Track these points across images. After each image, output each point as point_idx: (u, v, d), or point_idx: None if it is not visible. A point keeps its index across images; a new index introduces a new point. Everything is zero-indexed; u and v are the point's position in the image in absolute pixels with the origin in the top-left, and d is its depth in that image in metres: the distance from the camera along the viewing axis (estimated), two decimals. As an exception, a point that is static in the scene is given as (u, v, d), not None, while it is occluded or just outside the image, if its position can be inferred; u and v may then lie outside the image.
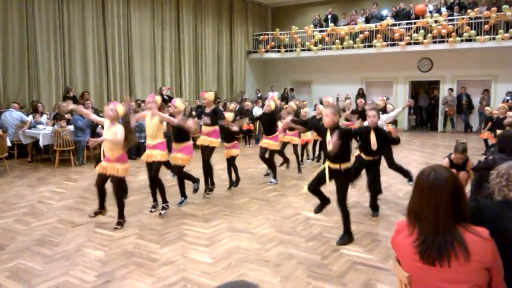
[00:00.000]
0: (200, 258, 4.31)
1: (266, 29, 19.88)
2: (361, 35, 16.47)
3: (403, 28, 15.67)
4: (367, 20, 16.92)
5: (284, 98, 16.76)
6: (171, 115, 6.01)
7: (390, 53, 16.23)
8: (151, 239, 4.88)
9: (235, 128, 6.69)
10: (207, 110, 6.57)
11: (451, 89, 15.80)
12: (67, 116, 9.97)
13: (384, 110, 8.10)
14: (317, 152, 9.94)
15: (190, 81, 16.30)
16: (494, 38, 14.08)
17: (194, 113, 10.99)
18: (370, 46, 16.34)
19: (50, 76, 11.60)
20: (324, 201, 4.94)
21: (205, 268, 4.07)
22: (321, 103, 9.65)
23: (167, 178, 7.61)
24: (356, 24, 16.76)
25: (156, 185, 5.85)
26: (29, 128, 9.73)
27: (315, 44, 17.48)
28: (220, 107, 12.33)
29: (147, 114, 5.79)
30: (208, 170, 6.77)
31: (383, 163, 6.24)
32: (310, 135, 9.14)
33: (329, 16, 17.90)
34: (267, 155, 7.62)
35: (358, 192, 6.65)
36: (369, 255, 4.38)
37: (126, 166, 5.24)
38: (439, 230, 1.89)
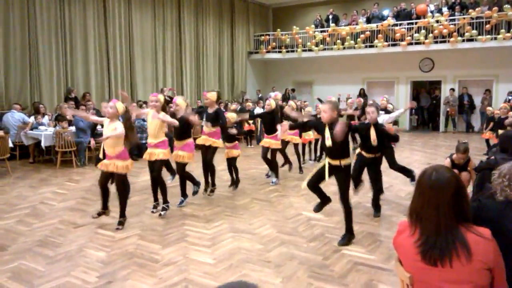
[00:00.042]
0: (201, 259, 4.31)
1: (267, 30, 19.89)
2: (362, 35, 16.47)
3: (404, 28, 15.66)
4: (368, 20, 16.92)
5: (286, 98, 16.74)
6: (172, 113, 6.01)
7: (392, 53, 16.23)
8: (152, 239, 4.88)
9: (233, 131, 6.68)
10: (210, 110, 6.56)
11: (452, 89, 15.79)
12: (69, 117, 9.98)
13: (385, 110, 8.11)
14: (318, 152, 9.93)
15: (191, 81, 16.31)
16: (495, 38, 14.06)
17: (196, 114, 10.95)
18: (371, 46, 16.34)
19: (51, 76, 11.63)
20: (324, 199, 4.90)
21: (207, 269, 4.07)
22: (321, 101, 9.65)
23: (166, 180, 7.60)
24: (357, 24, 16.76)
25: (158, 184, 5.85)
26: (31, 129, 9.75)
27: (316, 45, 17.49)
28: (222, 108, 12.35)
29: (149, 112, 5.75)
30: (210, 171, 6.77)
31: (384, 163, 6.23)
32: (312, 134, 9.14)
33: (330, 16, 17.91)
34: (269, 155, 7.62)
35: (359, 193, 6.63)
36: (371, 256, 4.37)
37: (127, 163, 5.22)
38: (441, 230, 1.89)
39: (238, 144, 7.19)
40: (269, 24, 20.47)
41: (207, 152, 6.68)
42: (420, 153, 11.20)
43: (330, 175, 4.68)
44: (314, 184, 4.82)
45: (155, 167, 5.77)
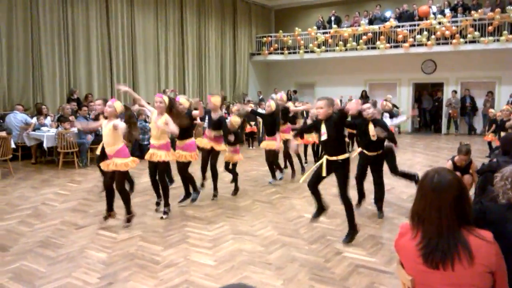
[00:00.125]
0: (203, 261, 4.30)
1: (269, 31, 19.90)
2: (364, 37, 16.46)
3: (407, 29, 15.66)
4: (371, 22, 16.91)
5: (288, 100, 16.74)
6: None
7: (394, 55, 16.21)
8: (154, 241, 4.88)
9: (231, 138, 6.67)
10: (213, 116, 6.54)
11: (455, 91, 15.76)
12: (71, 118, 10.00)
13: (390, 113, 8.09)
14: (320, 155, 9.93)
15: (193, 82, 16.33)
16: (498, 40, 14.04)
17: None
18: (373, 48, 16.33)
19: (54, 77, 11.66)
20: (320, 207, 4.93)
21: (208, 271, 4.06)
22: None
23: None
24: (359, 25, 16.76)
25: (161, 186, 5.84)
26: (33, 130, 9.77)
27: (318, 46, 17.49)
28: (224, 109, 12.36)
29: (153, 112, 5.74)
30: (213, 176, 6.75)
31: (385, 167, 6.22)
32: (315, 137, 9.12)
33: (332, 18, 17.91)
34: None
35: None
36: (372, 258, 4.36)
37: (127, 160, 5.21)
38: (443, 233, 1.88)
39: (239, 149, 7.13)
40: (271, 25, 20.48)
41: (210, 156, 6.67)
42: (422, 155, 11.18)
43: (329, 172, 4.70)
44: (314, 184, 4.83)
45: (159, 169, 5.77)
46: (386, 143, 5.86)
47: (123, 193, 5.32)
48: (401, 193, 7.05)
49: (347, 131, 8.42)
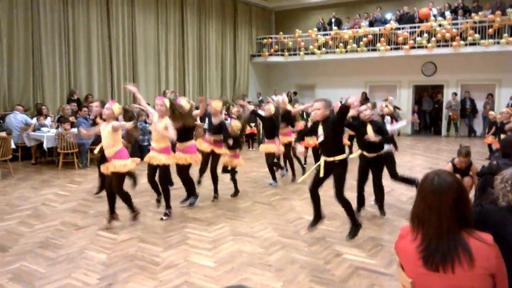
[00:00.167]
0: (202, 262, 4.30)
1: (269, 33, 19.92)
2: (364, 39, 16.47)
3: (407, 32, 15.67)
4: (371, 24, 16.92)
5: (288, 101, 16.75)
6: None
7: (394, 57, 16.22)
8: (153, 242, 4.87)
9: (230, 141, 6.67)
10: (214, 120, 6.54)
11: (455, 93, 15.77)
12: (71, 118, 10.01)
13: (391, 116, 8.12)
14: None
15: (193, 83, 16.34)
16: (498, 42, 14.05)
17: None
18: (373, 50, 16.34)
19: (54, 78, 11.66)
20: (317, 215, 4.98)
21: (208, 272, 4.06)
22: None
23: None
24: (359, 27, 16.77)
25: (162, 189, 5.84)
26: (33, 130, 9.77)
27: (319, 48, 17.50)
28: (224, 111, 12.34)
29: (154, 114, 5.73)
30: (213, 179, 6.76)
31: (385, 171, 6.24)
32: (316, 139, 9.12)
33: (333, 20, 17.92)
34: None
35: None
36: (372, 260, 4.36)
37: (126, 162, 5.19)
38: (443, 235, 1.88)
39: (239, 153, 7.07)
40: (271, 27, 20.49)
41: (211, 159, 6.67)
42: (422, 157, 11.19)
43: (327, 173, 4.74)
44: (315, 188, 4.86)
45: (159, 172, 5.78)
46: (386, 147, 5.88)
47: (123, 194, 5.31)
48: (400, 195, 7.04)
49: (348, 133, 8.45)
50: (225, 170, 7.14)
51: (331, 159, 4.68)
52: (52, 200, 6.81)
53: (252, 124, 12.94)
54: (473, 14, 14.75)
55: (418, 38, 15.34)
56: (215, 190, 6.81)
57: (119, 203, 5.41)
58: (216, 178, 6.77)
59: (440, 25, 15.01)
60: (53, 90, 11.67)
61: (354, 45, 16.70)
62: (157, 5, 14.69)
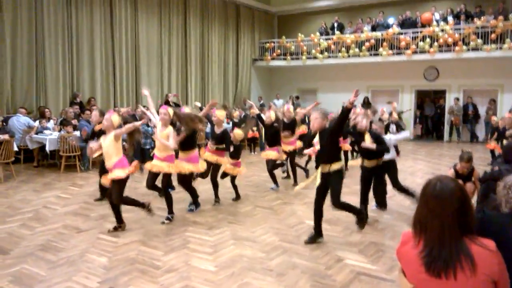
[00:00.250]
0: (203, 266, 4.29)
1: (272, 37, 19.96)
2: (367, 44, 16.48)
3: (409, 36, 15.67)
4: (373, 29, 16.94)
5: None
6: (178, 129, 6.01)
7: (396, 62, 16.22)
8: (154, 246, 4.87)
9: (230, 149, 6.69)
10: (217, 130, 6.54)
11: (457, 99, 15.75)
12: (74, 121, 10.03)
13: (396, 124, 8.19)
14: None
15: (196, 86, 16.37)
16: (501, 48, 14.04)
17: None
18: (376, 55, 16.34)
19: (57, 81, 11.69)
20: (317, 232, 5.01)
21: (208, 276, 4.05)
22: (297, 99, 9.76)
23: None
24: (362, 32, 16.78)
25: (164, 196, 5.84)
26: (36, 133, 9.79)
27: (321, 52, 17.51)
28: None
29: (157, 124, 5.77)
30: (214, 186, 6.76)
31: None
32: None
33: (335, 24, 17.95)
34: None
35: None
36: (373, 266, 4.34)
37: (127, 171, 5.17)
38: (445, 241, 1.87)
39: (240, 162, 7.05)
40: (274, 31, 20.54)
41: (212, 168, 6.67)
42: (424, 163, 11.16)
43: (324, 189, 4.83)
44: (319, 202, 4.92)
45: (162, 180, 5.79)
46: (388, 155, 5.94)
47: (125, 201, 5.31)
48: (402, 200, 7.00)
49: (350, 138, 8.47)
50: (224, 175, 7.13)
51: (326, 168, 4.77)
52: (53, 203, 6.82)
53: (254, 128, 12.94)
54: (475, 19, 14.75)
55: (421, 43, 15.34)
56: (216, 195, 6.81)
57: (123, 207, 5.42)
58: (217, 185, 6.77)
59: (442, 30, 15.02)
60: (56, 92, 11.70)
61: (357, 49, 16.70)
62: (160, 8, 14.74)
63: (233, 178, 7.00)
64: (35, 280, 3.95)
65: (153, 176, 5.86)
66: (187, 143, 5.95)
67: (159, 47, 14.80)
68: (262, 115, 7.94)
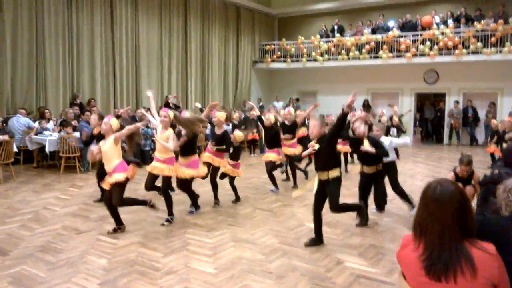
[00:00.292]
0: (203, 268, 4.29)
1: (272, 39, 19.98)
2: (367, 46, 16.50)
3: (409, 39, 15.69)
4: (373, 31, 16.96)
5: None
6: (179, 132, 6.01)
7: (396, 65, 16.24)
8: (154, 247, 4.86)
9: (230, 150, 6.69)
10: (217, 131, 6.53)
11: (457, 102, 15.77)
12: (74, 122, 10.03)
13: (397, 127, 8.20)
14: None
15: (196, 88, 16.38)
16: (500, 51, 14.05)
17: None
18: (376, 57, 16.36)
19: (57, 81, 11.69)
20: (318, 237, 5.01)
21: (208, 278, 4.05)
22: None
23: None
24: (362, 35, 16.81)
25: (164, 198, 5.83)
26: (36, 134, 9.78)
27: (321, 55, 17.53)
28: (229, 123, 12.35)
29: (158, 127, 5.79)
30: (213, 186, 6.76)
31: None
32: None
33: (336, 27, 17.97)
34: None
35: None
36: (373, 269, 4.34)
37: (127, 173, 5.16)
38: (445, 245, 1.87)
39: (240, 164, 7.05)
40: (274, 33, 20.56)
41: (211, 169, 6.67)
42: (424, 165, 11.16)
43: (322, 194, 4.85)
44: (318, 208, 4.93)
45: (162, 182, 5.80)
46: (389, 157, 5.97)
47: (126, 203, 5.30)
48: (402, 203, 7.01)
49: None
50: (223, 176, 7.12)
51: (324, 175, 4.79)
52: (53, 204, 6.81)
53: (254, 130, 12.95)
54: (475, 23, 14.77)
55: (421, 46, 15.36)
56: (216, 197, 6.80)
57: (122, 209, 5.42)
58: (216, 186, 6.77)
59: (442, 33, 15.05)
60: (56, 93, 11.70)
61: (357, 52, 16.73)
62: (161, 9, 14.75)
63: (231, 179, 6.99)
64: (34, 282, 3.95)
65: (152, 177, 5.87)
66: (188, 148, 5.93)
67: (159, 48, 14.81)
68: (262, 116, 7.94)
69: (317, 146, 4.74)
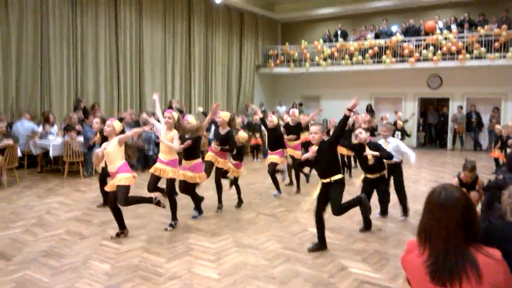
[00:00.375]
0: (206, 274, 4.28)
1: (275, 44, 20.01)
2: (370, 51, 16.50)
3: (413, 44, 15.69)
4: (377, 36, 16.97)
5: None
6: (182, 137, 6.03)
7: (400, 70, 16.23)
8: (157, 252, 4.86)
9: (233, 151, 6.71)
10: (221, 131, 6.54)
11: (460, 107, 15.73)
12: (78, 127, 10.06)
13: (401, 131, 8.21)
14: None
15: (199, 92, 16.41)
16: (504, 56, 14.03)
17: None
18: (379, 62, 16.36)
19: (62, 86, 11.73)
20: (321, 242, 5.01)
21: (211, 284, 4.03)
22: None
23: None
24: (365, 40, 16.82)
25: (169, 201, 5.83)
26: (40, 138, 9.81)
27: (325, 59, 17.55)
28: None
29: (162, 128, 5.81)
30: (217, 190, 6.75)
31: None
32: None
33: (339, 32, 17.99)
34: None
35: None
36: (377, 274, 4.32)
37: (129, 175, 5.17)
38: (450, 250, 1.86)
39: (241, 164, 7.06)
40: (277, 38, 20.60)
41: (215, 171, 6.68)
42: (427, 171, 11.13)
43: (325, 196, 4.85)
44: (320, 212, 4.93)
45: (166, 184, 5.79)
46: (395, 159, 5.98)
47: (131, 202, 5.31)
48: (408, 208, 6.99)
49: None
50: (224, 176, 7.11)
51: (327, 180, 4.80)
52: (56, 209, 6.82)
53: (257, 135, 12.95)
54: (479, 28, 14.77)
55: (424, 51, 15.35)
56: (219, 200, 6.79)
57: (126, 214, 5.42)
58: (220, 187, 6.76)
59: (446, 38, 15.03)
60: (60, 98, 11.74)
61: (360, 57, 16.73)
62: (165, 14, 14.81)
63: (235, 180, 7.01)
64: (38, 287, 3.94)
65: (154, 179, 5.86)
66: (191, 152, 5.93)
67: (163, 52, 14.86)
68: (265, 119, 7.98)
69: (315, 148, 4.77)
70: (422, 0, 16.46)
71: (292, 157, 8.04)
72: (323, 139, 4.83)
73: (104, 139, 5.64)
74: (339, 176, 4.79)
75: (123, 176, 5.08)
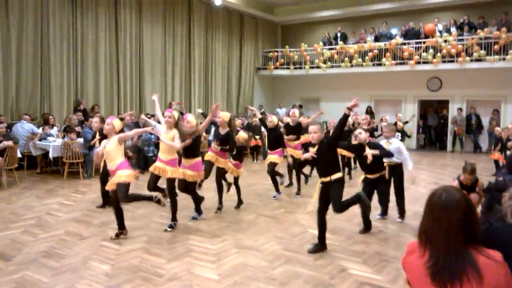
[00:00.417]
0: (206, 275, 4.28)
1: (275, 46, 20.05)
2: (370, 54, 16.54)
3: (413, 47, 15.72)
4: (377, 39, 17.00)
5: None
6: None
7: (399, 72, 16.26)
8: (157, 253, 4.86)
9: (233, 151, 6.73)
10: (221, 131, 6.54)
11: (460, 109, 15.76)
12: (77, 128, 10.06)
13: (401, 132, 8.24)
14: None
15: (199, 95, 16.43)
16: (504, 59, 14.06)
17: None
18: (379, 65, 16.39)
19: (62, 87, 11.75)
20: (321, 242, 5.01)
21: (211, 285, 4.03)
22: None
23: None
24: (365, 42, 16.85)
25: (170, 201, 5.83)
26: (39, 140, 9.82)
27: (324, 62, 17.57)
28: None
29: (162, 127, 5.81)
30: (218, 190, 6.76)
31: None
32: None
33: (339, 34, 18.02)
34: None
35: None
36: (377, 276, 4.32)
37: (130, 172, 5.17)
38: (451, 252, 1.86)
39: (241, 164, 7.07)
40: (277, 40, 20.63)
41: (216, 170, 6.70)
42: (427, 173, 11.13)
43: (326, 195, 4.84)
44: (322, 211, 4.94)
45: (167, 184, 5.80)
46: (396, 160, 6.00)
47: (132, 199, 5.31)
48: (407, 210, 6.98)
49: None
50: (224, 174, 7.11)
51: (327, 179, 4.81)
52: (56, 210, 6.82)
53: (257, 137, 12.96)
54: (478, 30, 14.80)
55: (424, 54, 15.38)
56: (220, 201, 6.79)
57: (126, 215, 5.42)
58: (221, 187, 6.76)
59: (445, 41, 15.07)
60: (60, 99, 11.75)
61: (360, 59, 16.76)
62: (165, 16, 14.84)
63: (235, 180, 7.02)
64: (37, 287, 3.94)
65: (154, 178, 5.86)
66: (191, 151, 5.95)
67: (163, 54, 14.88)
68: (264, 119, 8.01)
69: (314, 149, 4.78)
70: (422, 2, 16.49)
71: (292, 157, 8.04)
72: (323, 139, 4.84)
73: (103, 138, 5.66)
74: (339, 175, 4.80)
75: (123, 173, 5.09)
